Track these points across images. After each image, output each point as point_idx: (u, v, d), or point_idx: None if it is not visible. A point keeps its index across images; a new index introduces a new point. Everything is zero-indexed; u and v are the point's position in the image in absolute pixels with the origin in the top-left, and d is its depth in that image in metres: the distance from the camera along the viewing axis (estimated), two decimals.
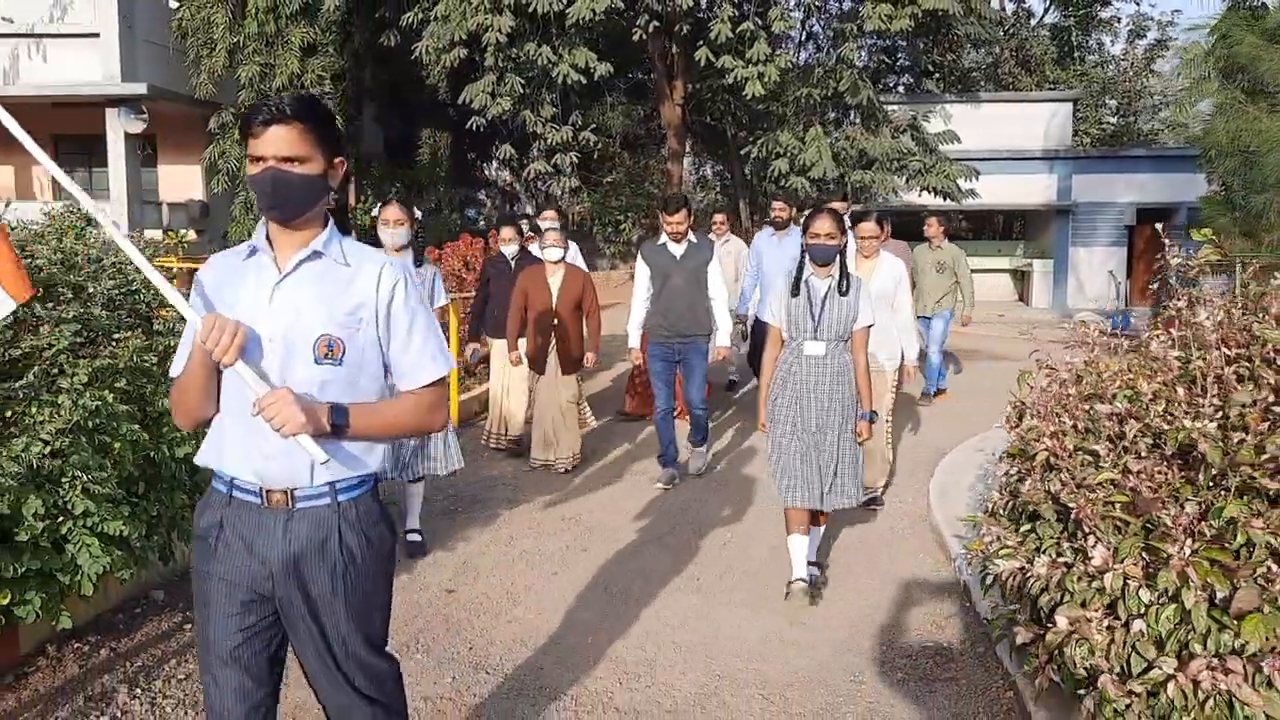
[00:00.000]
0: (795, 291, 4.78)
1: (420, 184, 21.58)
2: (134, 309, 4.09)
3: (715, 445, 8.07)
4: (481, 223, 24.62)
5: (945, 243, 9.83)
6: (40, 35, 17.17)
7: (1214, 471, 3.11)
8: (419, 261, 5.21)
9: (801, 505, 4.80)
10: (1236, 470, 3.08)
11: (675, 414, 7.25)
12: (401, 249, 5.20)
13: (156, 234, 17.87)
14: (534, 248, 8.02)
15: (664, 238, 7.02)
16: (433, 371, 2.41)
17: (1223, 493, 3.13)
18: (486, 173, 27.86)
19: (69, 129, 18.86)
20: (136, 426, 3.66)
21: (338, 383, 2.30)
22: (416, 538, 5.59)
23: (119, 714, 3.76)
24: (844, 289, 4.74)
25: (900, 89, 24.40)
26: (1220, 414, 3.25)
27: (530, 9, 15.43)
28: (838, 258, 4.75)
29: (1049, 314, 19.79)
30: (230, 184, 16.81)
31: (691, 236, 7.00)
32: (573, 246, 8.52)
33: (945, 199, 18.26)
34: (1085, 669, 3.15)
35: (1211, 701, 2.87)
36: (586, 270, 7.79)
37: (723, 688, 4.04)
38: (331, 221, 2.39)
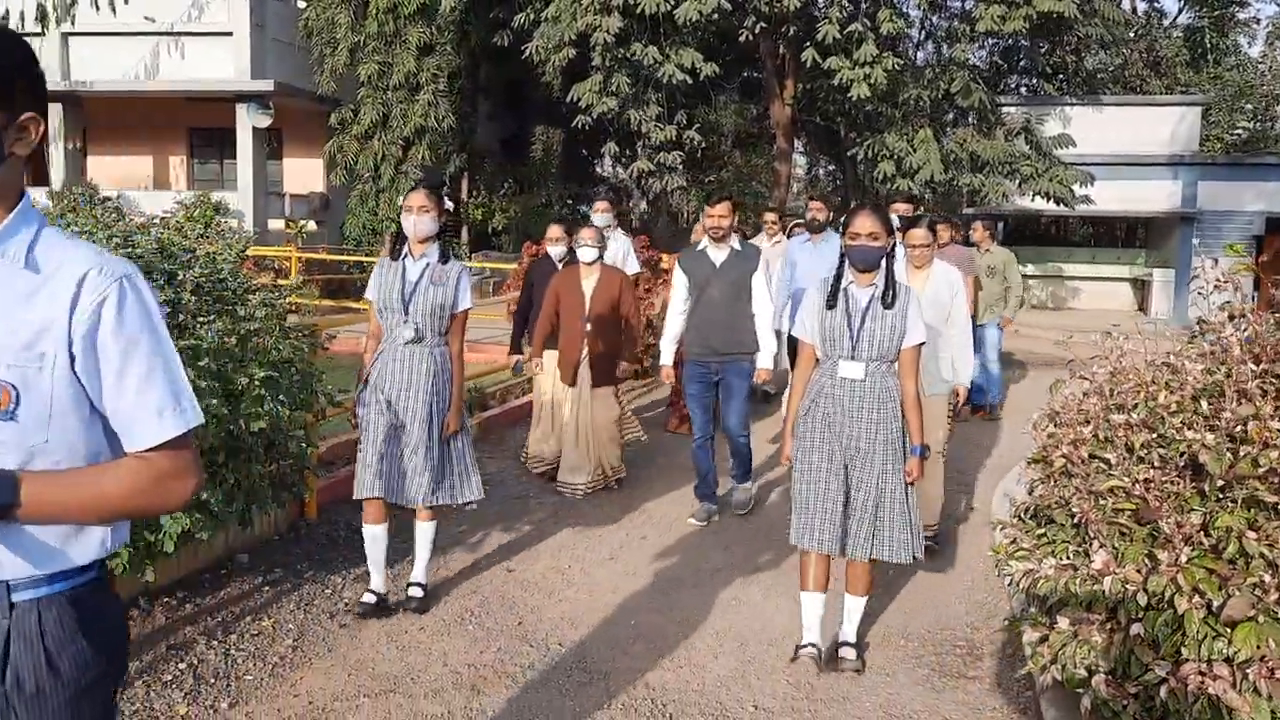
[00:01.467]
0: (832, 302, 4.04)
1: (531, 180, 22.10)
2: (220, 295, 4.48)
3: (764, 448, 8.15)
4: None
5: (995, 246, 9.61)
6: (178, 33, 18.22)
7: (1219, 483, 3.15)
8: (445, 257, 4.57)
9: (814, 549, 4.06)
10: (1243, 482, 3.12)
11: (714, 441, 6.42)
12: (427, 240, 4.56)
13: (279, 224, 18.82)
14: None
15: (704, 242, 6.23)
16: (157, 430, 1.62)
17: (1230, 504, 3.18)
18: (598, 170, 28.35)
19: (203, 122, 20.00)
20: (217, 401, 4.03)
21: (8, 444, 1.58)
22: (417, 592, 4.75)
23: (196, 662, 4.13)
24: (889, 300, 3.98)
25: (1022, 90, 23.93)
26: (1236, 426, 3.28)
27: (638, 9, 15.71)
28: (883, 263, 4.03)
29: (1169, 324, 19.20)
30: (348, 177, 17.55)
31: (735, 242, 6.17)
32: (623, 243, 8.26)
33: (1059, 204, 17.88)
34: (1085, 669, 3.23)
35: (1199, 705, 2.94)
36: (626, 272, 7.18)
37: (750, 672, 4.21)
38: (27, 202, 1.68)
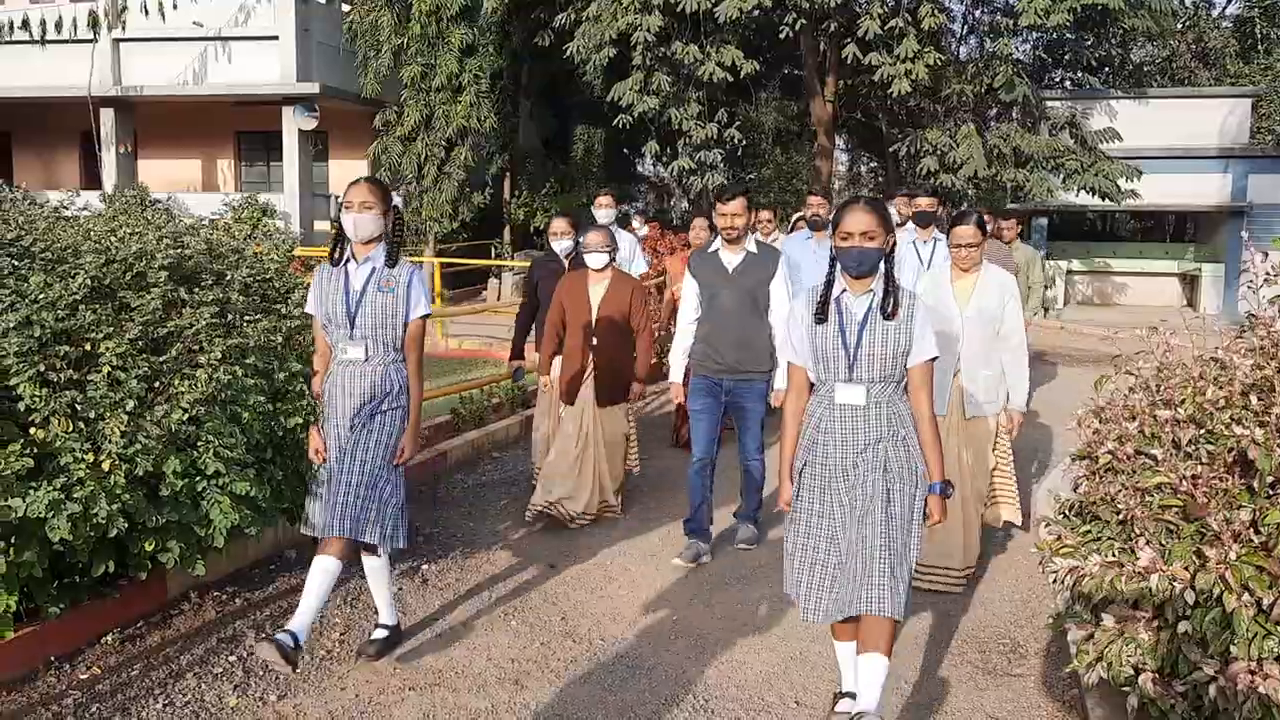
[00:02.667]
0: (822, 315, 3.39)
1: (573, 179, 22.17)
2: (266, 294, 4.55)
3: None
4: (636, 218, 25.09)
5: (1020, 244, 9.29)
6: (226, 38, 18.49)
7: (1269, 479, 3.11)
8: (393, 259, 3.96)
9: (822, 621, 3.45)
10: None
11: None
12: (372, 241, 3.93)
13: (324, 225, 19.05)
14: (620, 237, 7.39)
15: (716, 242, 5.47)
16: None
17: None
18: (640, 168, 28.38)
19: (250, 126, 20.30)
20: (263, 398, 4.11)
21: None
22: (380, 634, 4.25)
23: (245, 655, 4.21)
24: (890, 309, 3.33)
25: (1067, 84, 23.62)
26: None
27: (679, 8, 15.72)
28: (880, 266, 3.39)
29: (1220, 320, 18.88)
30: (392, 178, 17.72)
31: (751, 244, 5.43)
32: (627, 241, 7.86)
33: (1104, 199, 17.65)
34: (1132, 667, 3.21)
35: (1249, 704, 2.90)
36: (637, 280, 6.54)
37: (792, 668, 4.21)
38: None
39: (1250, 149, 20.92)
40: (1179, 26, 25.10)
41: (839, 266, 3.41)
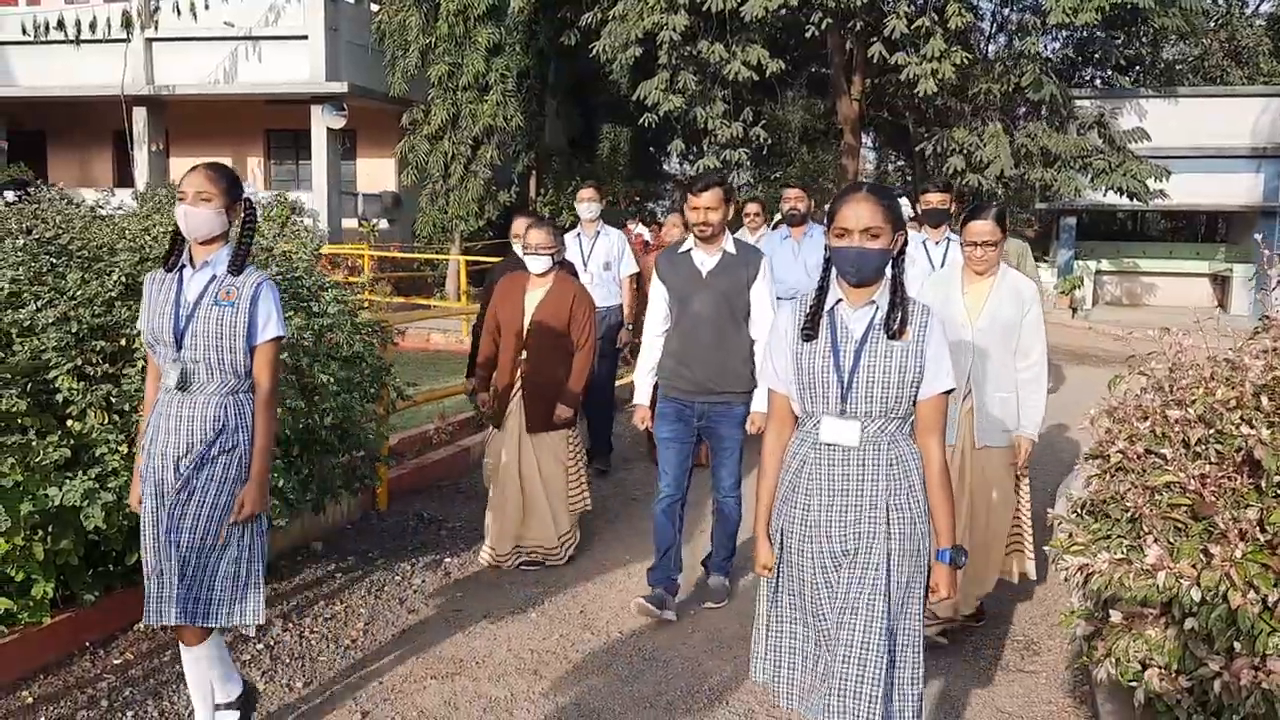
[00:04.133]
0: (811, 331, 2.76)
1: (599, 177, 22.27)
2: (296, 293, 4.67)
3: None
4: (662, 216, 25.18)
5: (1008, 237, 8.35)
6: (256, 38, 18.69)
7: (1276, 479, 3.15)
8: (239, 265, 3.20)
9: (796, 707, 2.85)
10: None
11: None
12: (211, 242, 3.19)
13: (352, 223, 19.24)
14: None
15: (688, 241, 4.65)
16: None
17: None
18: (666, 167, 28.44)
19: (279, 124, 20.52)
20: (294, 394, 4.22)
21: None
22: (230, 716, 3.44)
23: (272, 643, 4.33)
24: (896, 326, 2.71)
25: (1097, 83, 23.48)
26: None
27: (705, 7, 15.77)
28: (886, 272, 2.75)
29: (1250, 321, 18.73)
30: (419, 177, 17.87)
31: (729, 243, 4.58)
32: (616, 240, 7.34)
33: (1132, 199, 17.55)
34: (1139, 663, 3.25)
35: (1253, 699, 2.95)
36: (583, 286, 5.56)
37: None
38: None
39: None
40: (1211, 25, 24.88)
41: (834, 271, 2.76)
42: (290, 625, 4.51)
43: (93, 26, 17.50)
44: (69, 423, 3.75)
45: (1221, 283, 21.81)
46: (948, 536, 2.78)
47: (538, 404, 5.22)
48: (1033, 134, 17.29)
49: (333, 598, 4.86)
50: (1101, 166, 17.05)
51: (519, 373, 5.25)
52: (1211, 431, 3.43)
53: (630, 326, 7.44)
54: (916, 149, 19.33)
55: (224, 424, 3.15)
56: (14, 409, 3.66)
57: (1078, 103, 18.90)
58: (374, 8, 19.05)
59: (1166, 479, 3.33)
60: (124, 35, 17.69)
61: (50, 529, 3.73)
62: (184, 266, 3.20)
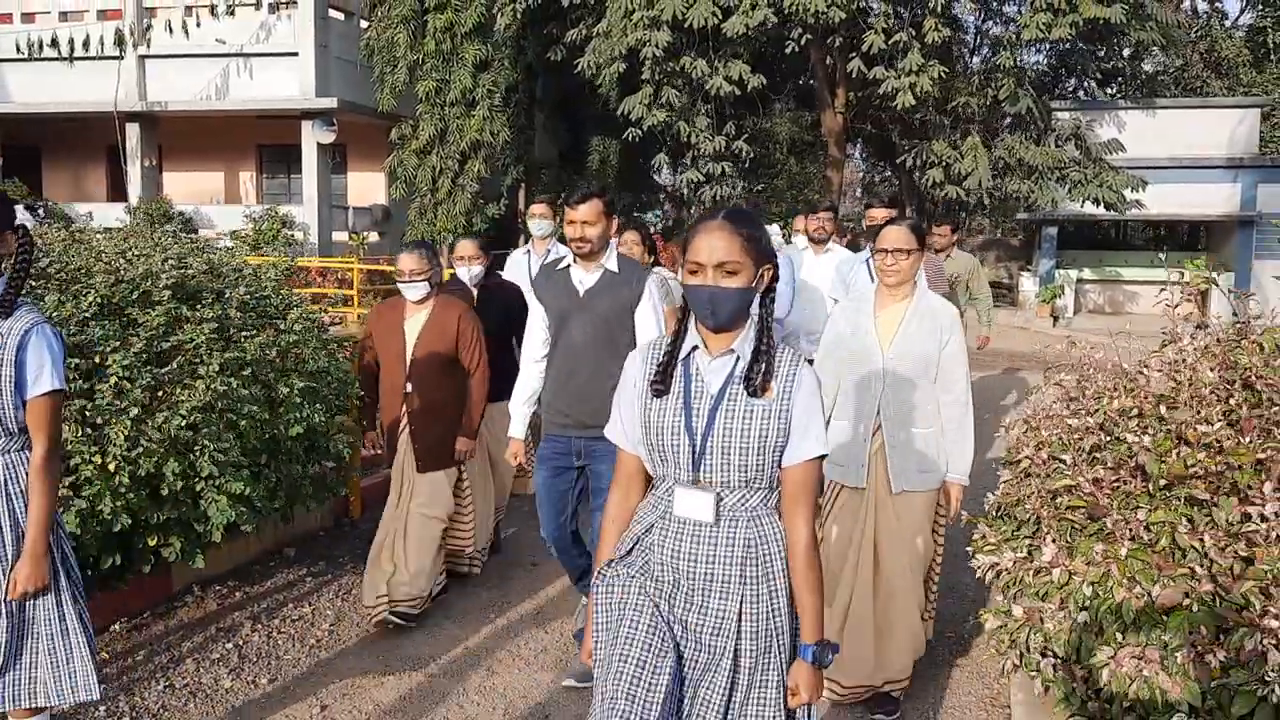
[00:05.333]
0: (662, 383, 2.37)
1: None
2: (263, 311, 4.92)
3: None
4: (658, 225, 25.47)
5: (956, 252, 7.61)
6: (247, 55, 19.00)
7: (1163, 483, 3.41)
8: (7, 308, 2.78)
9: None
10: (1184, 482, 3.37)
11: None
12: None
13: (343, 235, 19.51)
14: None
15: (566, 257, 4.24)
16: None
17: (1175, 501, 3.43)
18: (658, 178, 28.77)
19: (271, 139, 20.83)
20: (256, 408, 4.47)
21: None
22: None
23: (242, 642, 4.57)
24: (757, 380, 2.31)
25: (1080, 94, 23.83)
26: (1185, 430, 3.53)
27: (687, 23, 16.08)
28: (754, 312, 2.39)
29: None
30: (408, 190, 18.15)
31: (610, 261, 4.10)
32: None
33: (1109, 209, 17.86)
34: (1039, 653, 3.50)
35: (1136, 686, 3.19)
36: (468, 308, 4.97)
37: None
38: None
39: (1259, 159, 21.04)
40: (1191, 36, 25.23)
41: (690, 307, 2.37)
42: (259, 626, 4.75)
43: (85, 45, 17.79)
44: None
45: (1202, 293, 22.09)
46: (813, 630, 2.34)
47: (427, 440, 4.79)
48: (1011, 146, 17.61)
49: (301, 600, 5.10)
50: (1078, 178, 17.37)
51: (403, 408, 4.79)
52: (1109, 439, 3.68)
53: None
54: (897, 161, 19.65)
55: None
56: None
57: (1058, 114, 19.23)
58: (363, 25, 19.37)
59: (1064, 483, 3.59)
60: (117, 53, 18.00)
61: None
62: None
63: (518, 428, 4.43)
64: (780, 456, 2.35)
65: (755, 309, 2.38)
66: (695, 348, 2.39)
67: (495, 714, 3.99)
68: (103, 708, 3.92)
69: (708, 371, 2.37)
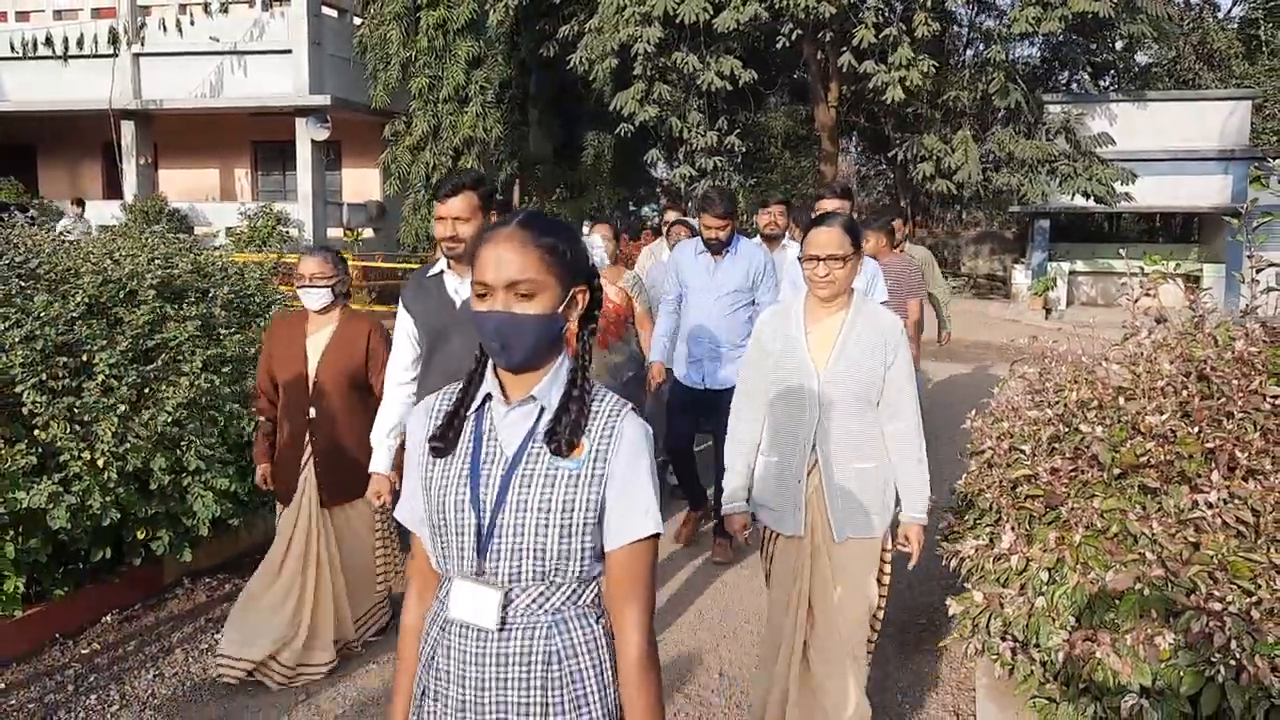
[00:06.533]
0: (441, 441, 1.85)
1: (583, 185, 22.63)
2: (245, 309, 5.03)
3: None
4: (655, 219, 25.53)
5: (909, 246, 7.08)
6: (241, 52, 19.08)
7: (1116, 472, 3.51)
8: None
9: None
10: (1138, 471, 3.48)
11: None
12: None
13: (338, 232, 19.60)
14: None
15: (439, 263, 3.72)
16: None
17: (1129, 490, 3.54)
18: (655, 173, 28.83)
19: (265, 136, 20.92)
20: (237, 405, 4.59)
21: None
22: None
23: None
24: (563, 437, 1.79)
25: (1073, 87, 23.89)
26: (1139, 420, 3.64)
27: (678, 19, 16.16)
28: (559, 358, 1.87)
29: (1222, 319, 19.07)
30: (402, 187, 18.25)
31: None
32: (595, 245, 5.61)
33: (1099, 202, 17.97)
34: (999, 637, 3.61)
35: (1089, 667, 3.31)
36: (376, 322, 4.33)
37: (723, 645, 4.64)
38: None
39: (1250, 151, 21.12)
40: (1183, 28, 25.30)
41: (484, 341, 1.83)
42: None
43: (80, 43, 17.88)
44: (35, 432, 4.11)
45: (1194, 283, 22.21)
46: None
47: (334, 471, 4.17)
48: (1001, 140, 17.71)
49: None
50: (1067, 171, 17.45)
51: (307, 436, 4.16)
52: (1068, 430, 3.79)
53: None
54: (889, 155, 19.75)
55: None
56: None
57: (1047, 108, 19.31)
58: (356, 22, 19.44)
59: (1023, 472, 3.70)
60: (111, 51, 18.09)
61: (20, 529, 4.08)
62: None
63: (381, 463, 3.85)
64: (593, 538, 1.79)
65: (557, 348, 1.84)
66: (490, 396, 1.84)
67: None
68: (93, 696, 4.03)
69: (503, 426, 1.82)
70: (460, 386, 1.88)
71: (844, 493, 3.26)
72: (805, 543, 3.30)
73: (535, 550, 1.76)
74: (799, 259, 3.30)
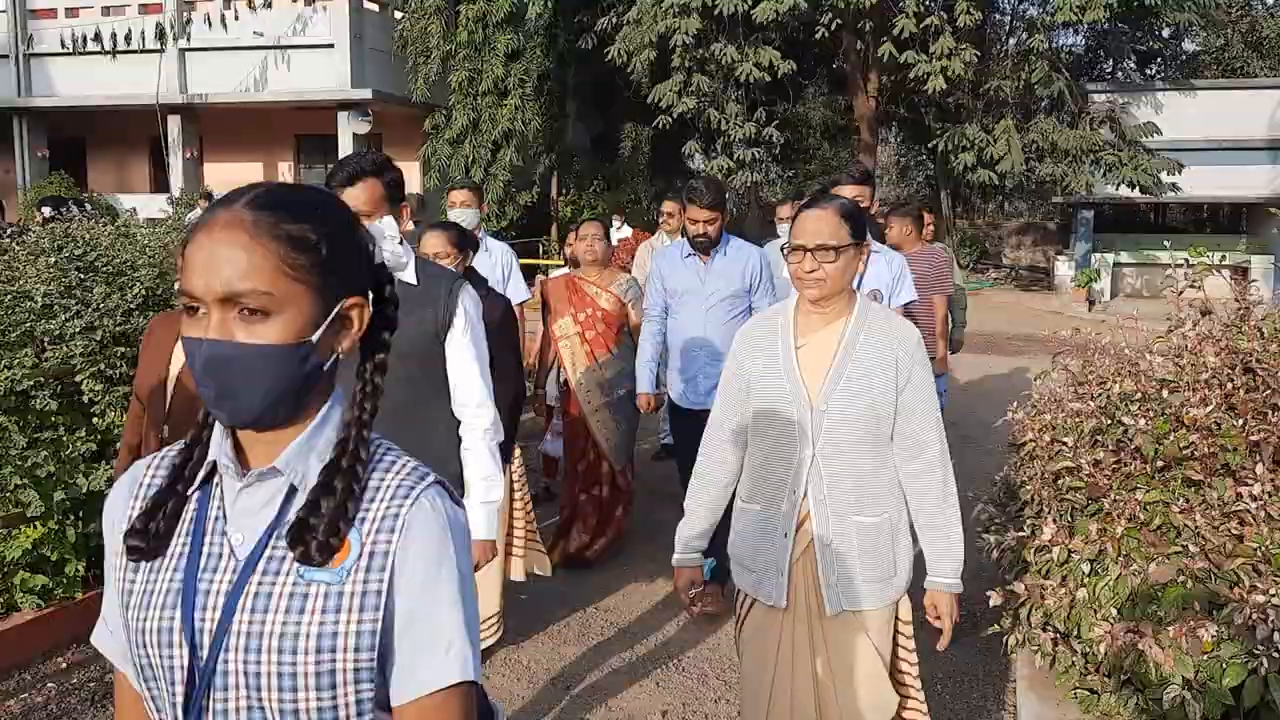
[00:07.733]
0: (142, 538, 1.20)
1: (620, 176, 22.69)
2: None
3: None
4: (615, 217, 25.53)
5: (923, 244, 6.13)
6: (285, 47, 19.32)
7: (1160, 464, 3.52)
8: None
9: None
10: (1181, 464, 3.49)
11: None
12: None
13: None
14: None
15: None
16: None
17: (1173, 482, 3.54)
18: (691, 164, 28.86)
19: (308, 129, 21.16)
20: None
21: None
22: None
23: None
24: (315, 534, 1.14)
25: (1118, 75, 23.61)
26: (1184, 413, 3.64)
27: (716, 10, 16.17)
28: (325, 397, 1.23)
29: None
30: (441, 179, 18.41)
31: (408, 270, 2.79)
32: (500, 254, 5.57)
33: (1144, 193, 17.76)
34: (1039, 628, 3.64)
35: (1130, 659, 3.32)
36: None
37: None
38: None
39: None
40: (1231, 15, 24.89)
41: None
42: None
43: (128, 39, 18.19)
44: (94, 419, 4.23)
45: (1241, 274, 21.88)
46: None
47: None
48: (1044, 130, 17.54)
49: None
50: (1112, 161, 17.27)
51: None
52: (1110, 422, 3.80)
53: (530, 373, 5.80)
54: (929, 145, 19.62)
55: None
56: (47, 409, 4.15)
57: (1092, 97, 19.10)
58: (397, 16, 19.62)
59: (1066, 464, 3.71)
60: (158, 46, 18.37)
61: (80, 514, 4.21)
62: None
63: None
64: (370, 687, 1.18)
65: (335, 387, 1.25)
66: (220, 475, 1.23)
67: (520, 685, 4.19)
68: (92, 684, 4.15)
69: (235, 512, 1.21)
70: (179, 450, 1.26)
71: (840, 556, 2.50)
72: (789, 617, 2.56)
73: (277, 708, 1.15)
74: (782, 250, 2.56)
